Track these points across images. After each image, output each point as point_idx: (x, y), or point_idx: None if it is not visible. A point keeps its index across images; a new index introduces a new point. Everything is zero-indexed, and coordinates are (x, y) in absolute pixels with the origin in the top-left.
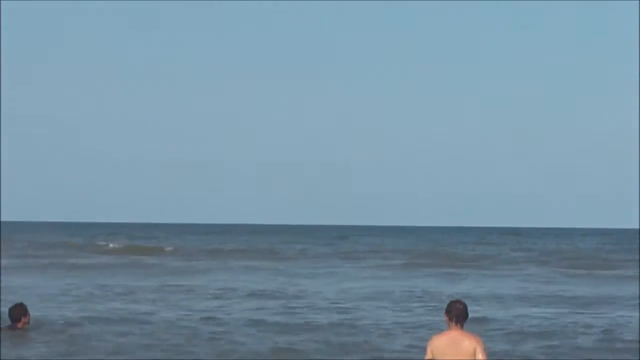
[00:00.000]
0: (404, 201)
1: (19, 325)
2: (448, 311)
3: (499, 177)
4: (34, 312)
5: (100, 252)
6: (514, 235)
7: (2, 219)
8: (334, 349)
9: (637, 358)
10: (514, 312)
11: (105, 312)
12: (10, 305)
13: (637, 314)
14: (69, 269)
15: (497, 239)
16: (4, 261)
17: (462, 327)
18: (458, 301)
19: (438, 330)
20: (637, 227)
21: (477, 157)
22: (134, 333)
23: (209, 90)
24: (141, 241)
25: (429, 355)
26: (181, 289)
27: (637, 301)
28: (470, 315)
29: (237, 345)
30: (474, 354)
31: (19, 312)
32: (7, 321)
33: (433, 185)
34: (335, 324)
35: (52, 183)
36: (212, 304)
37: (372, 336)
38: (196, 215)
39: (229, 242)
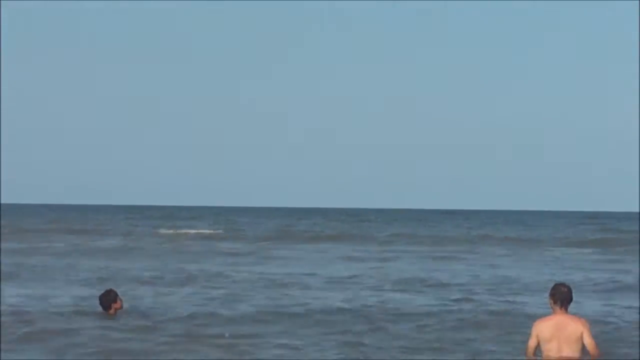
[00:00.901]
0: None
1: (110, 312)
2: (553, 294)
3: None
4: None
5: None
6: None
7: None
8: None
9: None
10: None
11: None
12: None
13: None
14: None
15: None
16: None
17: (566, 310)
18: (563, 284)
19: None
20: None
21: None
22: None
23: None
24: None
25: (534, 340)
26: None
27: None
28: None
29: None
30: (581, 338)
31: (109, 298)
32: (97, 307)
33: None
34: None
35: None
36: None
37: None
38: None
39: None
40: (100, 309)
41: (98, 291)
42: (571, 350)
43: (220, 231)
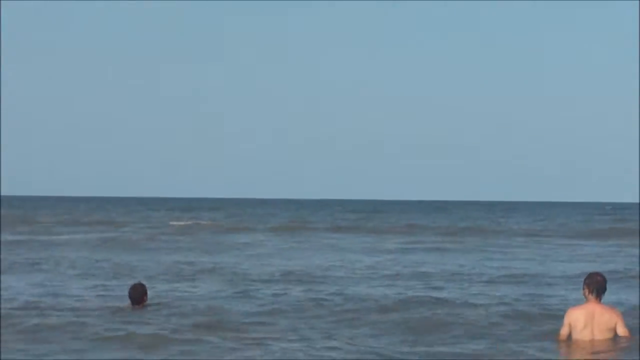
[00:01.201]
0: None
1: (139, 306)
2: (588, 283)
3: None
4: None
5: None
6: None
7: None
8: None
9: None
10: None
11: None
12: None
13: None
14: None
15: None
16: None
17: (600, 300)
18: (598, 273)
19: None
20: None
21: None
22: None
23: None
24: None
25: (566, 328)
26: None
27: None
28: None
29: None
30: (615, 328)
31: (139, 292)
32: (125, 301)
33: None
34: None
35: None
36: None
37: None
38: None
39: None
40: (127, 302)
41: (119, 284)
42: (604, 339)
43: (235, 221)
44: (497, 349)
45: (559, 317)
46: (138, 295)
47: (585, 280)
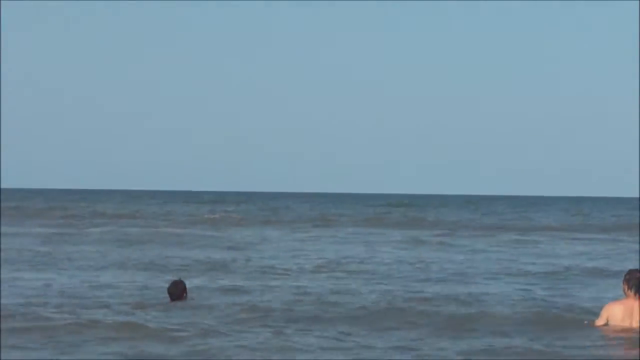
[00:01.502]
0: None
1: (179, 301)
2: (627, 280)
3: None
4: None
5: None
6: None
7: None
8: None
9: None
10: None
11: None
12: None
13: None
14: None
15: None
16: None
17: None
18: (638, 270)
19: None
20: None
21: None
22: None
23: None
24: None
25: (602, 320)
26: None
27: None
28: None
29: None
30: None
31: (179, 288)
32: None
33: None
34: None
35: None
36: None
37: None
38: None
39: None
40: (167, 299)
41: (157, 279)
42: None
43: (266, 214)
44: (529, 344)
45: (593, 313)
46: (178, 291)
47: (625, 276)
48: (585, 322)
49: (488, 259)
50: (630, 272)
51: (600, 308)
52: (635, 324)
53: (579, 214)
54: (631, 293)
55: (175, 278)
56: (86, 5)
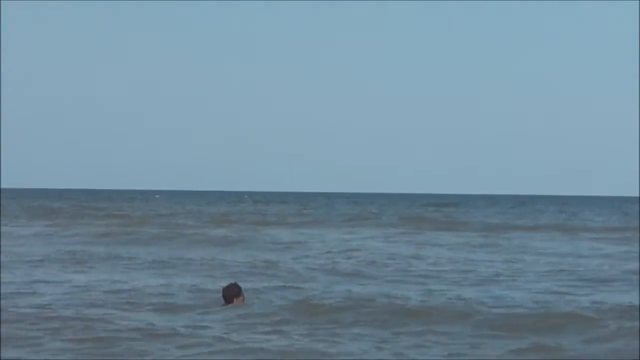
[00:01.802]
0: None
1: (235, 304)
2: None
3: None
4: None
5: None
6: None
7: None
8: None
9: None
10: None
11: None
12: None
13: None
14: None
15: None
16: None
17: None
18: None
19: None
20: None
21: None
22: None
23: None
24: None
25: None
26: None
27: None
28: None
29: None
30: None
31: (234, 292)
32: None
33: None
34: None
35: None
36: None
37: None
38: None
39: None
40: (222, 302)
41: (211, 281)
42: None
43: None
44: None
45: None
46: (233, 294)
47: None
48: None
49: (537, 261)
50: None
51: None
52: None
53: (628, 215)
54: None
55: (231, 282)
56: (86, 6)
